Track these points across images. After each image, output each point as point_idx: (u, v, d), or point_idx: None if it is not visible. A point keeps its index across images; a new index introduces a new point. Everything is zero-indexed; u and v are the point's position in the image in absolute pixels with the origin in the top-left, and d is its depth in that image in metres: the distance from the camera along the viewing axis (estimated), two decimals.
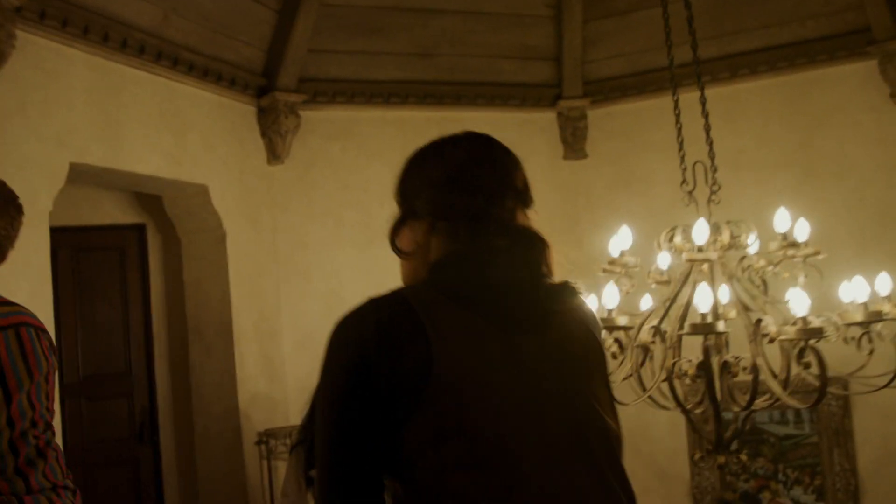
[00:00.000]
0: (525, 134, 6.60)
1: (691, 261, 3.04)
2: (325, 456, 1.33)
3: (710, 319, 2.72)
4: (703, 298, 2.71)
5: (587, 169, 6.67)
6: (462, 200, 1.41)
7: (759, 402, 3.14)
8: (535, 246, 1.44)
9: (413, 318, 1.29)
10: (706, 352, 2.78)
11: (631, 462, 5.14)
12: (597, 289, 3.73)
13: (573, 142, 6.70)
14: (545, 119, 6.69)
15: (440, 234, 1.43)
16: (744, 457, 3.09)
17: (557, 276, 1.47)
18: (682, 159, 3.49)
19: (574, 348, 1.41)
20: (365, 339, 1.29)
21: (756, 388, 3.03)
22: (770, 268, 3.37)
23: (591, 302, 3.61)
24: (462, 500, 1.26)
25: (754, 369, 3.01)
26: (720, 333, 2.73)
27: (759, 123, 6.14)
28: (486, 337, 1.32)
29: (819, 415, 5.74)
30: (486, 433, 1.27)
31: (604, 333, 3.02)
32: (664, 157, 6.41)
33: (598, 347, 1.48)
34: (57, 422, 4.08)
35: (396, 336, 1.28)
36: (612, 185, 6.55)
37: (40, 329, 2.23)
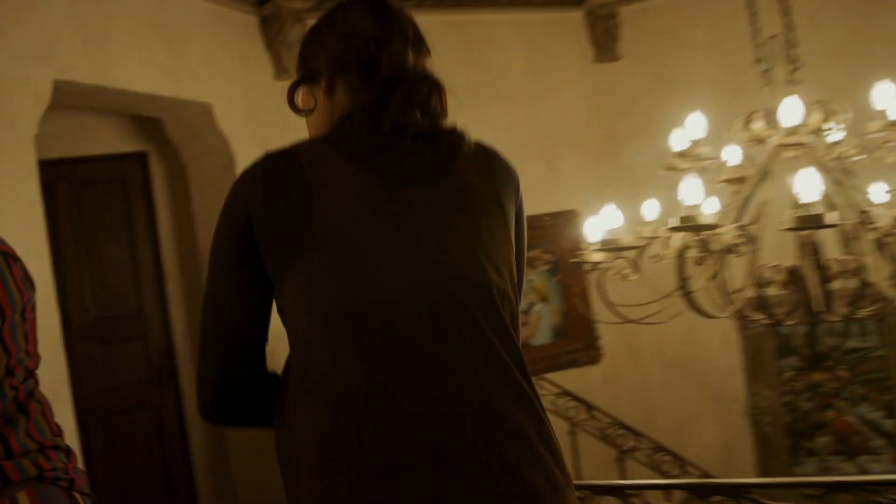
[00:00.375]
0: (551, 36, 6.14)
1: (783, 146, 2.57)
2: (206, 300, 1.38)
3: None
4: (808, 185, 2.25)
5: (621, 72, 6.21)
6: (352, 48, 1.42)
7: (864, 310, 2.70)
8: (429, 87, 1.42)
9: (299, 171, 1.31)
10: (814, 249, 2.33)
11: (681, 382, 4.76)
12: (651, 194, 3.30)
13: (604, 43, 6.21)
14: (572, 19, 6.22)
15: (339, 90, 1.44)
16: (844, 372, 2.66)
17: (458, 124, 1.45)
18: (757, 33, 3.00)
19: (467, 201, 1.37)
20: (251, 192, 1.32)
21: (862, 293, 2.59)
22: (860, 156, 2.91)
23: (651, 208, 3.17)
24: (329, 353, 1.27)
25: (860, 271, 2.56)
26: (830, 227, 2.27)
27: (810, 10, 5.59)
28: (368, 190, 1.32)
29: (886, 325, 5.30)
30: (355, 288, 1.28)
31: (684, 235, 2.57)
32: (705, 55, 5.99)
33: (499, 199, 1.41)
34: (61, 369, 3.78)
35: (281, 189, 1.31)
36: (649, 88, 6.09)
37: (10, 255, 1.83)
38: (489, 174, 1.42)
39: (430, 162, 1.38)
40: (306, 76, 1.49)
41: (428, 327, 1.28)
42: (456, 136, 1.43)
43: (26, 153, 3.73)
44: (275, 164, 1.34)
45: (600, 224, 2.97)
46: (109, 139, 5.27)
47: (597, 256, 2.82)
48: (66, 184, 5.24)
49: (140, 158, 5.40)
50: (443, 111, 1.44)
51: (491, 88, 5.89)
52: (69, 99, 4.14)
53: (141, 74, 4.33)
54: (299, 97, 1.50)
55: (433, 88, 1.42)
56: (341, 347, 1.26)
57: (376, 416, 1.23)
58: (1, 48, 3.63)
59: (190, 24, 4.66)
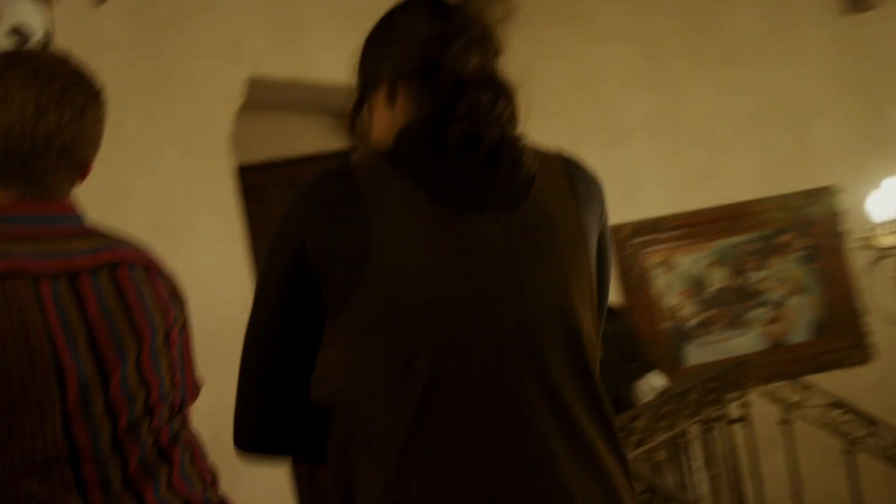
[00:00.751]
0: None
1: None
2: (251, 329, 1.30)
3: None
4: None
5: (877, 23, 5.36)
6: (412, 51, 1.29)
7: None
8: (494, 94, 1.26)
9: (357, 197, 1.20)
10: None
11: None
12: None
13: None
14: None
15: (401, 97, 1.30)
16: None
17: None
18: None
19: (545, 232, 1.23)
20: (306, 217, 1.22)
21: None
22: None
23: None
24: (383, 401, 1.17)
25: None
26: None
27: None
28: (433, 222, 1.20)
29: None
30: (412, 330, 1.16)
31: None
32: None
33: (581, 225, 1.26)
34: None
35: (337, 216, 1.21)
36: None
37: (152, 269, 1.52)
38: (570, 195, 1.28)
39: (503, 185, 1.24)
40: (366, 85, 1.37)
41: (497, 391, 1.17)
42: (529, 150, 1.27)
43: (221, 155, 3.56)
44: (331, 187, 1.23)
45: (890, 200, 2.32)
46: (314, 138, 5.10)
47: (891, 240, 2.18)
48: (275, 188, 5.11)
49: (346, 157, 5.21)
50: (512, 119, 1.29)
51: (723, 53, 5.26)
52: (266, 97, 3.96)
53: (338, 65, 4.04)
54: (362, 118, 1.38)
55: (500, 94, 1.28)
56: (394, 405, 1.16)
57: (427, 484, 1.15)
58: (189, 47, 3.48)
59: (384, 6, 4.36)
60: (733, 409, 3.98)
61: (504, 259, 1.20)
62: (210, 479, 1.55)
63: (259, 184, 4.71)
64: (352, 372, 1.22)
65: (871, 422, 3.89)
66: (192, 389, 1.63)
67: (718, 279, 5.07)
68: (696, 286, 5.05)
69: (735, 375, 3.90)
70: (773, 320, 4.99)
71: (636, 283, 4.95)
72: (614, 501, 1.18)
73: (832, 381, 4.56)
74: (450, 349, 1.16)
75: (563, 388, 1.18)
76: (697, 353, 4.98)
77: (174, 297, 1.55)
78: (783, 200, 5.11)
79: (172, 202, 3.32)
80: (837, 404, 3.97)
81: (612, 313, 3.84)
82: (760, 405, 4.14)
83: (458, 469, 1.14)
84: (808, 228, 5.09)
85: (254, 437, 1.32)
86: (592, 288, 1.28)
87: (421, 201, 1.20)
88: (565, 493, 1.15)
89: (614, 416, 1.24)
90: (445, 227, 1.19)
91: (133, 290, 1.46)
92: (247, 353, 1.30)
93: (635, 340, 3.89)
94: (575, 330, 1.21)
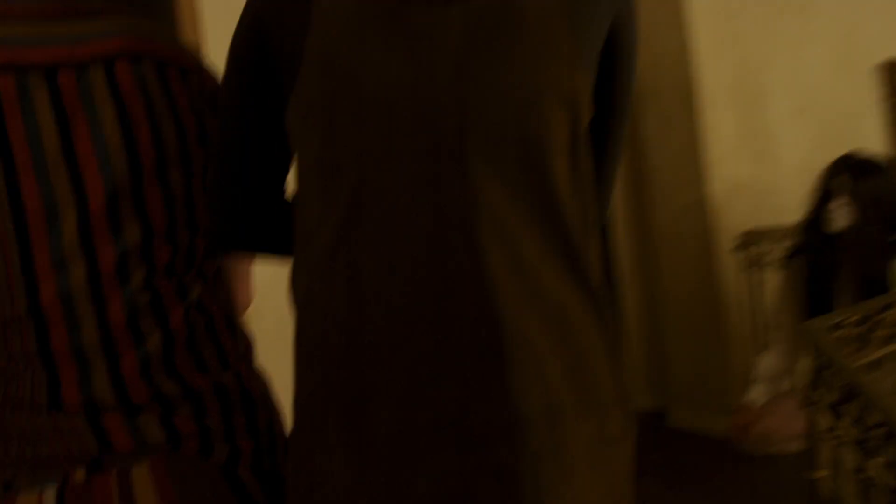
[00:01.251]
0: None
1: None
2: (219, 114, 1.19)
3: None
4: None
5: None
6: None
7: None
8: None
9: None
10: None
11: None
12: None
13: None
14: None
15: None
16: None
17: None
18: None
19: (505, 19, 1.06)
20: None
21: None
22: None
23: None
24: (311, 207, 1.09)
25: None
26: None
27: None
28: (377, 5, 1.06)
29: None
30: (342, 128, 1.06)
31: None
32: None
33: (565, 12, 1.07)
34: None
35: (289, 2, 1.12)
36: None
37: (172, 65, 1.18)
38: None
39: None
40: None
41: (427, 203, 1.04)
42: None
43: None
44: None
45: None
46: None
47: None
48: None
49: None
50: None
51: None
52: None
53: None
54: None
55: None
56: (325, 204, 1.07)
57: (349, 289, 1.05)
58: None
59: None
60: None
61: (454, 51, 1.05)
62: (234, 355, 1.15)
63: None
64: (296, 165, 1.14)
65: None
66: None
67: None
68: None
69: None
70: None
71: None
72: (559, 336, 1.04)
73: None
74: (379, 153, 1.05)
75: (504, 205, 1.06)
76: None
77: (207, 106, 1.14)
78: None
79: None
80: None
81: (875, 168, 3.05)
82: None
83: (380, 279, 1.04)
84: None
85: (222, 234, 1.21)
86: (574, 74, 1.08)
87: None
88: (492, 316, 1.02)
89: (581, 238, 1.08)
90: (390, 13, 1.06)
91: (134, 91, 1.10)
92: (215, 147, 1.18)
93: None
94: (533, 139, 1.05)
